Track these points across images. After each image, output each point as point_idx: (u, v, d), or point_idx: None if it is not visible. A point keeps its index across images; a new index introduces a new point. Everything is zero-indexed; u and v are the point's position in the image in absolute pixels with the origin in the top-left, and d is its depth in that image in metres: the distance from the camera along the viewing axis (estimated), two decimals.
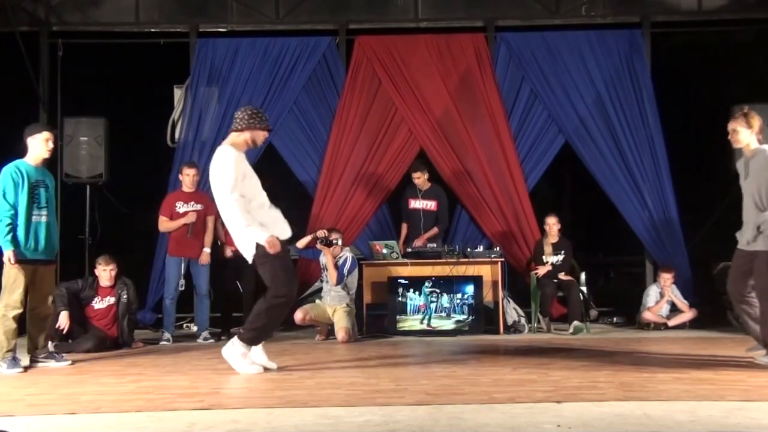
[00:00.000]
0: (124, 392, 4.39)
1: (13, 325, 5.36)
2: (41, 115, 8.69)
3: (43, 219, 5.51)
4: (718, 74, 8.86)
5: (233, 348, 5.02)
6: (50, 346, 5.73)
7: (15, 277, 5.35)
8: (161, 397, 4.20)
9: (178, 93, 8.80)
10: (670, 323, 7.66)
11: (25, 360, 5.49)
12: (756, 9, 8.69)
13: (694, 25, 9.01)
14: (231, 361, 5.01)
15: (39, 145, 5.53)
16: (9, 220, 5.34)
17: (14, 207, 5.37)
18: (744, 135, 5.17)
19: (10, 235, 5.33)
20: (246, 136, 5.05)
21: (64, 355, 5.78)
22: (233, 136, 5.07)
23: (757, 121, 5.17)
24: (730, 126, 5.24)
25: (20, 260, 5.36)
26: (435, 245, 7.79)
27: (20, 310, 5.39)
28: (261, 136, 5.13)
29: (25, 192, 5.41)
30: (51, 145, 5.58)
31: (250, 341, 5.02)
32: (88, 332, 6.45)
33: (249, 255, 5.01)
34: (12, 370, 5.28)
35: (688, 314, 7.72)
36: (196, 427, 3.43)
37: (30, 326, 5.58)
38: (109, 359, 5.95)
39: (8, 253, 5.33)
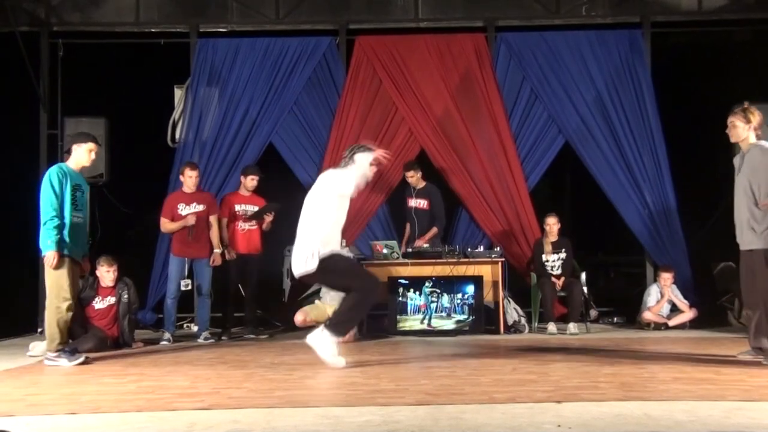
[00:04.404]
0: (124, 392, 4.39)
1: (67, 316, 5.51)
2: (41, 115, 8.69)
3: (80, 220, 5.71)
4: (718, 74, 8.86)
5: (321, 335, 5.11)
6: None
7: (59, 270, 5.48)
8: (161, 397, 4.20)
9: (178, 93, 8.81)
10: (671, 323, 7.67)
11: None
12: (756, 9, 8.71)
13: (694, 25, 9.01)
14: (319, 349, 5.11)
15: (83, 154, 5.80)
16: (58, 221, 5.48)
17: (61, 206, 5.53)
18: (741, 130, 5.19)
19: (59, 236, 5.48)
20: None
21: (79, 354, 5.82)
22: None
23: (756, 117, 5.18)
24: (729, 120, 5.27)
25: (62, 256, 5.50)
26: (428, 246, 7.78)
27: (71, 301, 5.54)
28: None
29: (68, 193, 5.59)
30: (94, 156, 5.87)
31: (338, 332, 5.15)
32: (88, 332, 6.45)
33: (311, 266, 5.08)
34: (74, 362, 5.46)
35: (688, 314, 7.72)
36: (196, 427, 3.43)
37: None
38: (110, 359, 5.95)
39: (52, 254, 5.44)
